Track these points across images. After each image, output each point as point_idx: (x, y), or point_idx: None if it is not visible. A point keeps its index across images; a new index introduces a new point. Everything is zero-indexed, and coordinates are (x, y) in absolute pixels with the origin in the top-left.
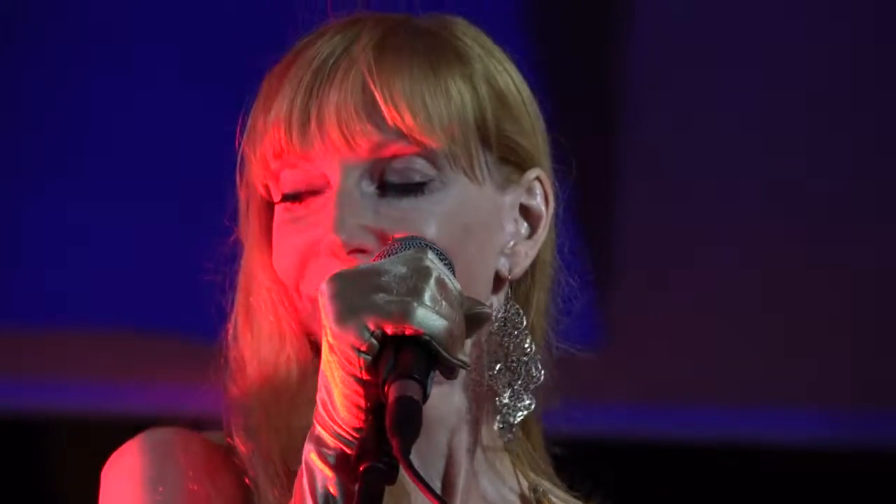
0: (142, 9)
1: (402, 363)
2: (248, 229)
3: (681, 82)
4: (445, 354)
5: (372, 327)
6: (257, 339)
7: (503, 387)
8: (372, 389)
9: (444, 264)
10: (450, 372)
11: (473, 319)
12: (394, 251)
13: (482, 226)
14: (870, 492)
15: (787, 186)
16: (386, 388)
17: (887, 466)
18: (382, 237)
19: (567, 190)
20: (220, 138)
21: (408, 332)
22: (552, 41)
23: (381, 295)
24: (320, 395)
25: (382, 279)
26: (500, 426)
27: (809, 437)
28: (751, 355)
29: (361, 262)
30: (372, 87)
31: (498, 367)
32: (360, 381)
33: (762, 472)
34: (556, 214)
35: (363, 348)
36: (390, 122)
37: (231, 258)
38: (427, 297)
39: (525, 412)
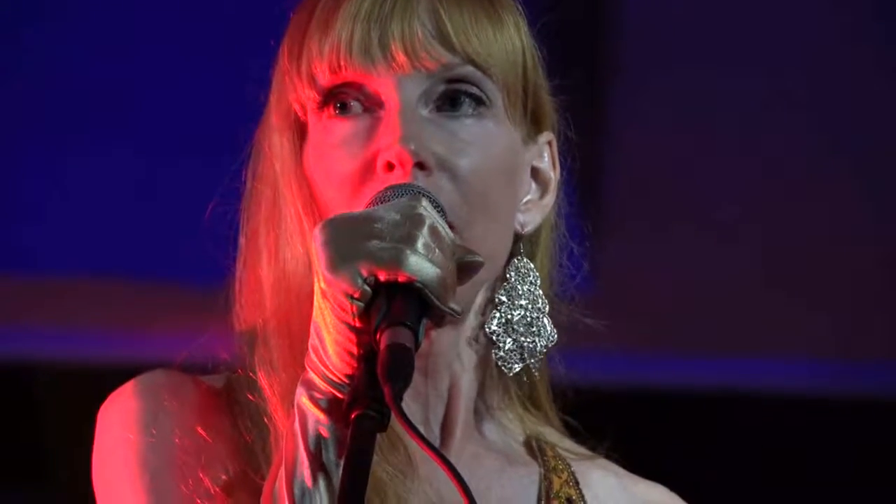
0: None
1: (395, 310)
2: (277, 155)
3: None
4: (437, 302)
5: (365, 274)
6: (281, 270)
7: (513, 338)
8: (364, 336)
9: (438, 212)
10: (440, 319)
11: (465, 267)
12: (387, 198)
13: (514, 174)
14: (864, 438)
15: (787, 140)
16: (378, 335)
17: (880, 414)
18: (438, 158)
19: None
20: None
21: (400, 279)
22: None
23: (374, 242)
24: (311, 341)
25: (376, 226)
26: (506, 367)
27: (806, 386)
28: (748, 305)
29: (420, 181)
30: (441, 11)
31: (518, 318)
32: (352, 327)
33: (758, 419)
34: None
35: (356, 295)
36: (458, 46)
37: (229, 199)
38: (420, 244)
39: (539, 358)
